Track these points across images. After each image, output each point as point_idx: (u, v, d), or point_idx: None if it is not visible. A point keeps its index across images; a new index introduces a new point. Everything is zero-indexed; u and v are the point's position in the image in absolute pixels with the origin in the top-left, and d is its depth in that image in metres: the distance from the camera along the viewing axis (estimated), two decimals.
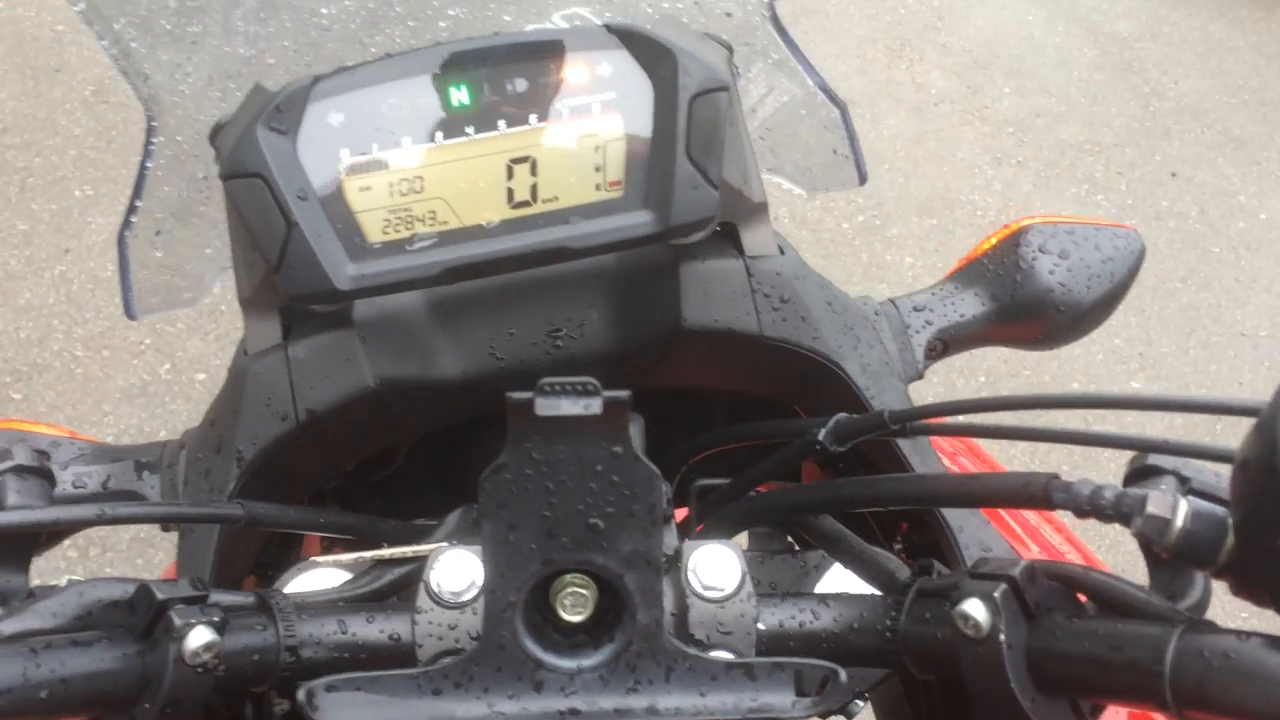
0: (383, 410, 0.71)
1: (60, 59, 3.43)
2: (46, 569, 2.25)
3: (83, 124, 3.24)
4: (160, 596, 0.49)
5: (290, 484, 0.74)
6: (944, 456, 0.74)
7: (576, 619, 0.52)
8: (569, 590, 0.51)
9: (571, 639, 0.52)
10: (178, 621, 0.49)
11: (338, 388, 0.69)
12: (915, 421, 0.60)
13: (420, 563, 0.65)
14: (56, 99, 3.31)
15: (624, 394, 0.46)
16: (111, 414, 2.54)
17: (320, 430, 0.69)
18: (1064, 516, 0.56)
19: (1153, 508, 0.46)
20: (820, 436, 0.64)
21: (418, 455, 0.91)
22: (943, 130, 3.56)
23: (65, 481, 0.70)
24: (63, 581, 0.53)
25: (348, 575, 0.68)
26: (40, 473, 0.58)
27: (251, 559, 0.77)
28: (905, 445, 0.68)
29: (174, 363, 2.66)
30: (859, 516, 0.79)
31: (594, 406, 0.46)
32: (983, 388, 2.76)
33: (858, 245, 3.14)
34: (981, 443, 1.18)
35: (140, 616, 0.50)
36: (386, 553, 0.66)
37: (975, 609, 0.48)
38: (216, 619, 0.51)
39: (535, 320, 0.72)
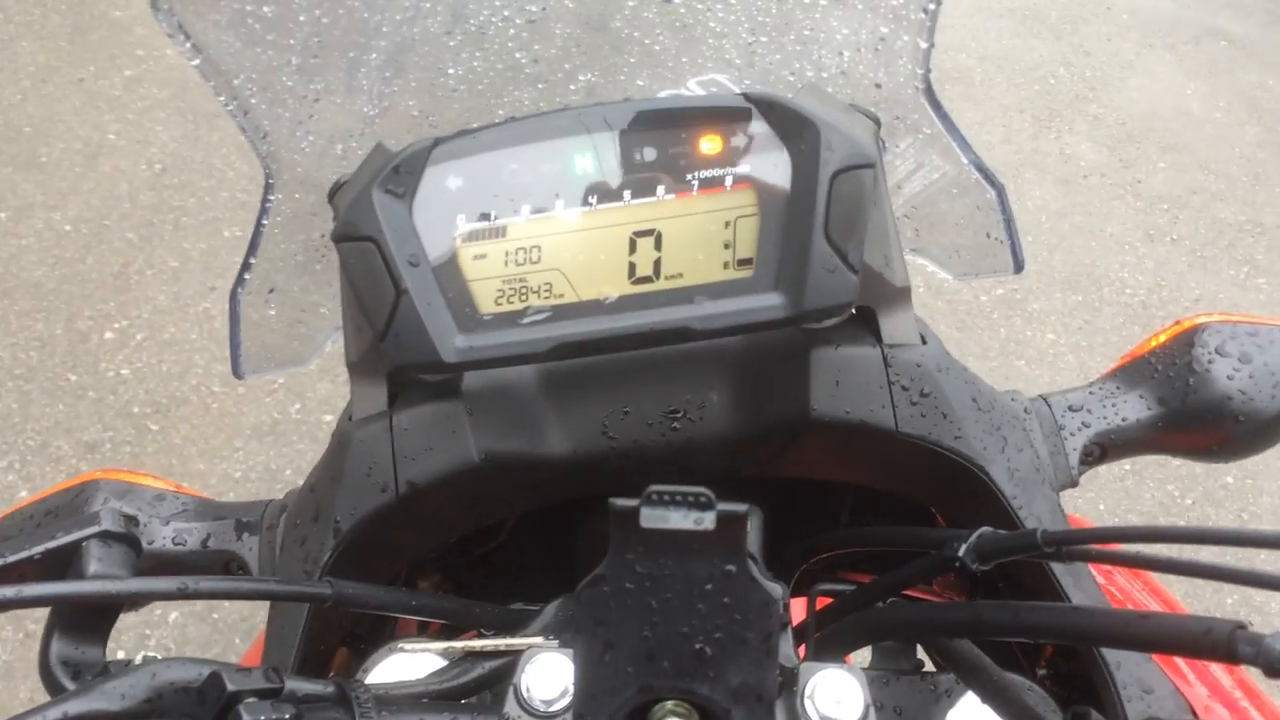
0: (486, 486, 0.68)
1: (219, 104, 3.60)
2: None
3: (236, 167, 3.38)
4: (231, 688, 0.46)
5: (387, 556, 0.71)
6: (1098, 573, 0.66)
7: None
8: (668, 719, 0.46)
9: None
10: (246, 718, 0.46)
11: (440, 461, 0.65)
12: (1071, 546, 0.53)
13: (513, 658, 0.61)
14: (214, 143, 3.47)
15: (741, 509, 0.41)
16: (241, 449, 2.60)
17: (420, 504, 0.66)
18: None
19: None
20: (960, 552, 0.58)
21: (523, 530, 0.87)
22: (1091, 204, 3.42)
23: (165, 536, 0.69)
24: (138, 659, 0.51)
25: (437, 661, 0.65)
26: (126, 539, 0.56)
27: (344, 632, 0.74)
28: (1059, 567, 0.61)
29: (304, 403, 2.71)
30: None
31: (706, 521, 0.41)
32: (1127, 475, 2.60)
33: (996, 319, 3.02)
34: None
35: (209, 707, 0.47)
36: (478, 644, 0.62)
37: None
38: (288, 716, 0.47)
39: (652, 400, 0.68)
